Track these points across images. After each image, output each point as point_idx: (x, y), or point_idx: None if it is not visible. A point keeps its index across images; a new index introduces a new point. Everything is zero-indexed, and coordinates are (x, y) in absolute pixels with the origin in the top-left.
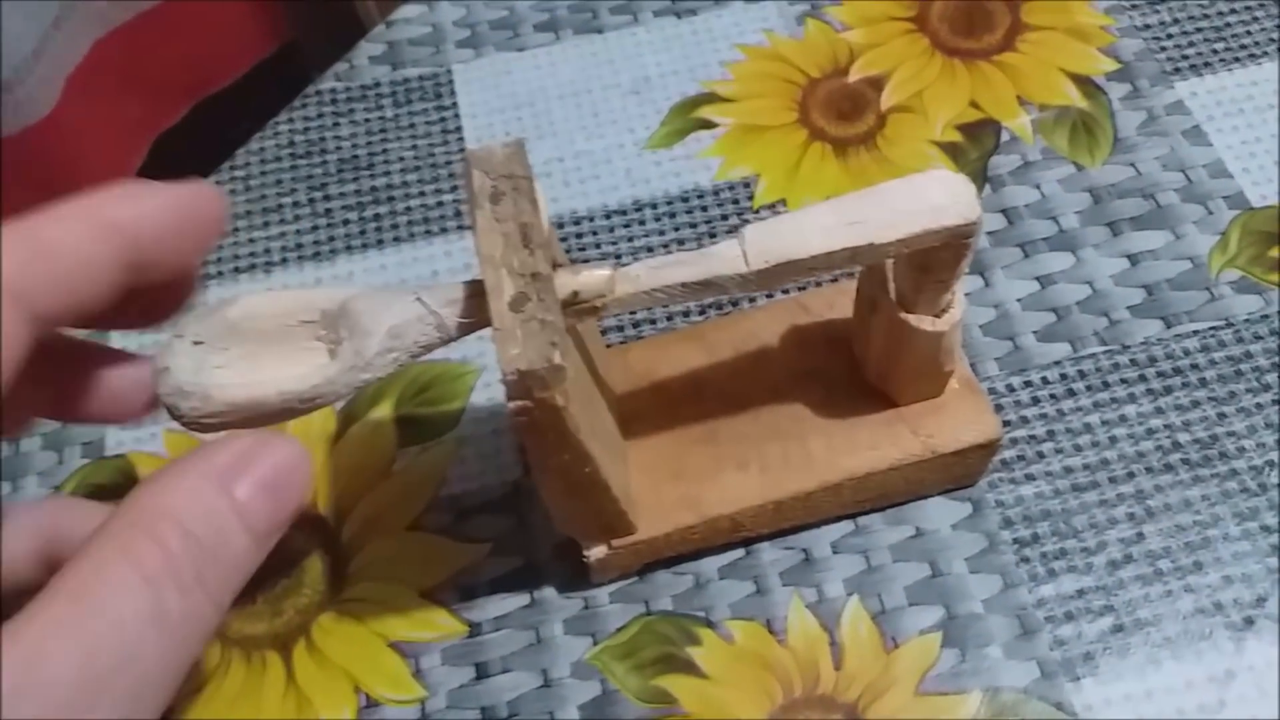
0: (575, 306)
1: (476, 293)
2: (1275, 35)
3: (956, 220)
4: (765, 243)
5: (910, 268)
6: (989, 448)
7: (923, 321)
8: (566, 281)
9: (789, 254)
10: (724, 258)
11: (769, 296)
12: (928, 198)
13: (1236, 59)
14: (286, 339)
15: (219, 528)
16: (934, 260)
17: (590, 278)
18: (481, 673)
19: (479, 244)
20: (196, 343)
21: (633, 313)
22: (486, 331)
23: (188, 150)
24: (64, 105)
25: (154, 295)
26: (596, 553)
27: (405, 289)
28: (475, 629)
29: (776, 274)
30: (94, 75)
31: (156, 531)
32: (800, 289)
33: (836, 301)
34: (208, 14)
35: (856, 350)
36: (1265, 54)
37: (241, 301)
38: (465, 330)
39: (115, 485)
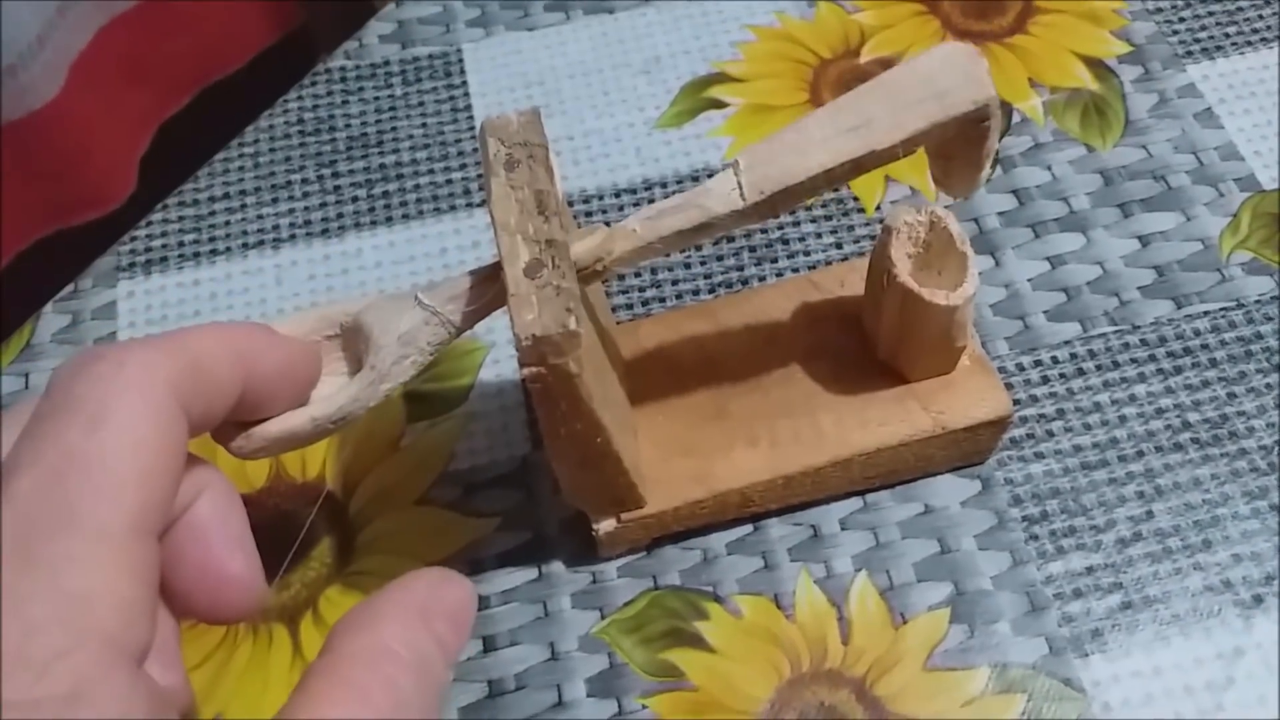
0: (578, 273)
1: (480, 281)
2: None
3: (966, 106)
4: (761, 170)
5: (934, 156)
6: (999, 425)
7: (935, 296)
8: None
9: (787, 178)
10: (719, 195)
11: (779, 275)
12: (933, 83)
13: (1249, 43)
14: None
15: (431, 662)
16: (954, 147)
17: (586, 243)
18: (489, 645)
19: (494, 211)
20: None
21: (642, 290)
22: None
23: (192, 138)
24: (68, 92)
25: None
26: (605, 526)
27: (407, 294)
28: (483, 603)
29: (774, 202)
30: (98, 62)
31: (385, 672)
32: (811, 267)
33: (847, 279)
34: (212, 2)
35: (868, 326)
36: (1278, 38)
37: None
38: (472, 320)
39: None
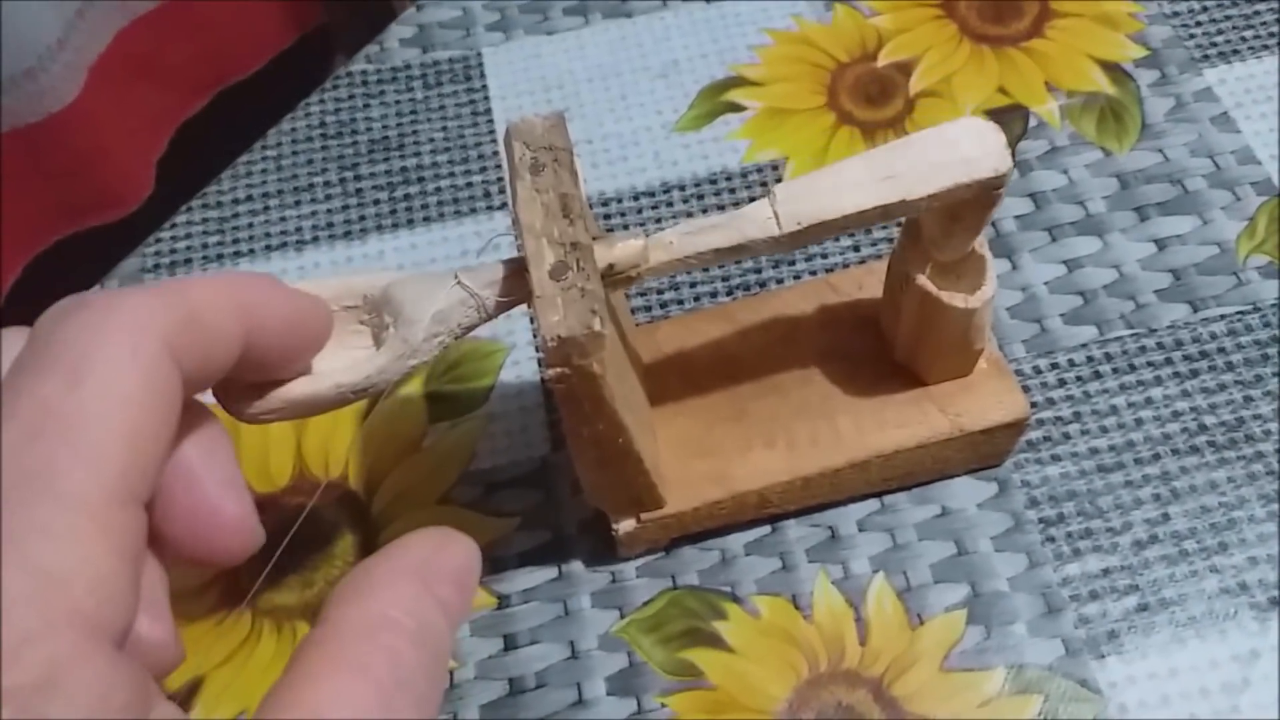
0: (611, 278)
1: (514, 272)
2: None
3: (988, 173)
4: (796, 204)
5: (940, 216)
6: (1016, 427)
7: (954, 299)
8: (601, 255)
9: (820, 215)
10: (755, 221)
11: (797, 278)
12: (959, 149)
13: (1265, 46)
14: (333, 325)
15: (432, 627)
16: (964, 209)
17: (625, 249)
18: (510, 644)
19: (519, 214)
20: None
21: (660, 292)
22: (516, 311)
23: (209, 139)
24: (87, 94)
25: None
26: (625, 526)
27: (444, 273)
28: (504, 601)
29: (808, 235)
30: (117, 64)
31: (385, 642)
32: (828, 270)
33: (865, 282)
34: (231, 3)
35: (885, 329)
36: None
37: None
38: (503, 308)
39: None
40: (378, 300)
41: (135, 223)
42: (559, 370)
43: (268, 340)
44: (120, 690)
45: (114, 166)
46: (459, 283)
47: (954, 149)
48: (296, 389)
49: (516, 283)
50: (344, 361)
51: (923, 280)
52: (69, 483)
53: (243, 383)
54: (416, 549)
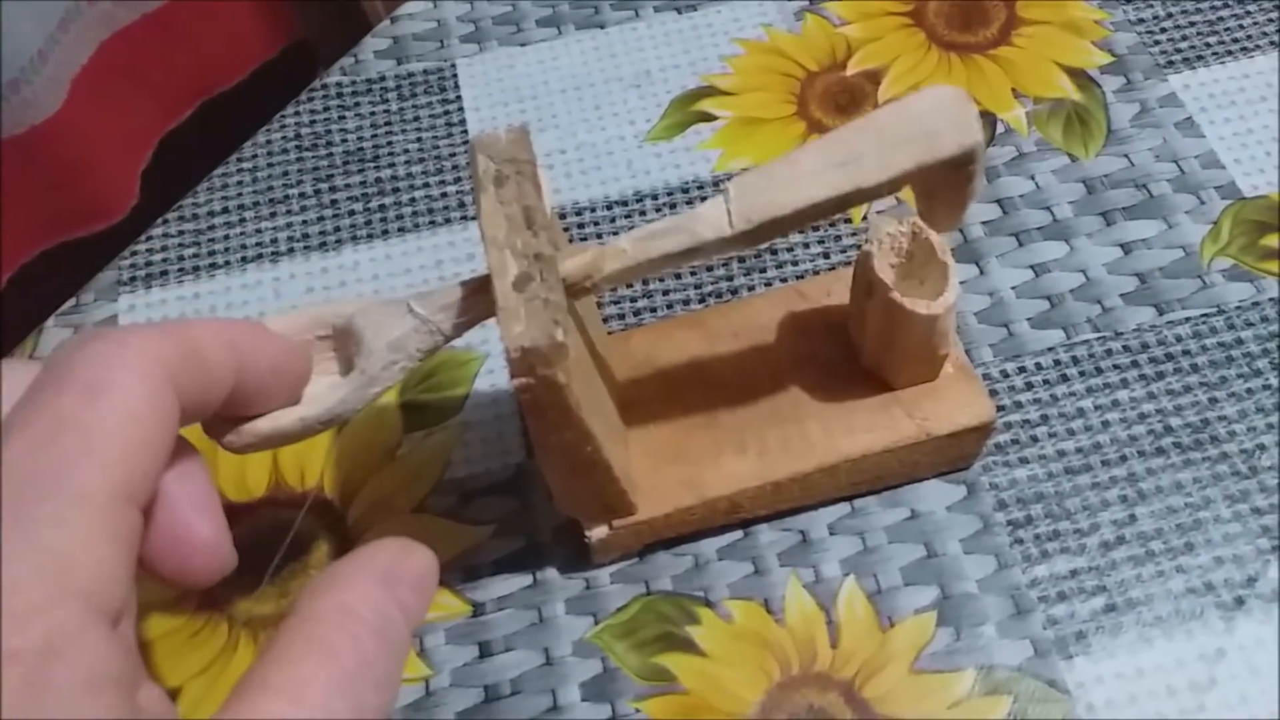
0: (568, 288)
1: (470, 292)
2: (1268, 29)
3: (953, 150)
4: (749, 199)
5: (919, 193)
6: (983, 430)
7: (917, 305)
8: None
9: (774, 210)
10: (708, 221)
11: (768, 285)
12: (921, 124)
13: (1229, 52)
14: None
15: (392, 622)
16: (937, 187)
17: (577, 260)
18: (485, 651)
19: (483, 226)
20: None
21: (634, 300)
22: (490, 320)
23: (193, 150)
24: (70, 105)
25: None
26: (598, 533)
27: (399, 300)
28: (479, 609)
29: (762, 232)
30: (100, 76)
31: (350, 631)
32: (799, 277)
33: (834, 288)
34: (213, 15)
35: (853, 335)
36: (1258, 47)
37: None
38: (461, 329)
39: None
40: (344, 330)
41: (121, 233)
42: (524, 380)
43: (254, 380)
44: (113, 663)
45: (99, 177)
46: (411, 311)
47: (916, 125)
48: (265, 424)
49: (475, 301)
50: (315, 390)
51: (885, 288)
52: (79, 481)
53: (227, 417)
54: (381, 555)
